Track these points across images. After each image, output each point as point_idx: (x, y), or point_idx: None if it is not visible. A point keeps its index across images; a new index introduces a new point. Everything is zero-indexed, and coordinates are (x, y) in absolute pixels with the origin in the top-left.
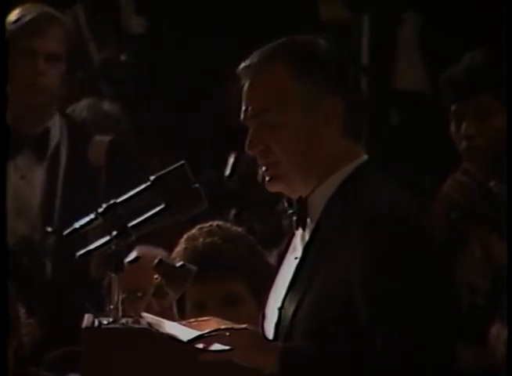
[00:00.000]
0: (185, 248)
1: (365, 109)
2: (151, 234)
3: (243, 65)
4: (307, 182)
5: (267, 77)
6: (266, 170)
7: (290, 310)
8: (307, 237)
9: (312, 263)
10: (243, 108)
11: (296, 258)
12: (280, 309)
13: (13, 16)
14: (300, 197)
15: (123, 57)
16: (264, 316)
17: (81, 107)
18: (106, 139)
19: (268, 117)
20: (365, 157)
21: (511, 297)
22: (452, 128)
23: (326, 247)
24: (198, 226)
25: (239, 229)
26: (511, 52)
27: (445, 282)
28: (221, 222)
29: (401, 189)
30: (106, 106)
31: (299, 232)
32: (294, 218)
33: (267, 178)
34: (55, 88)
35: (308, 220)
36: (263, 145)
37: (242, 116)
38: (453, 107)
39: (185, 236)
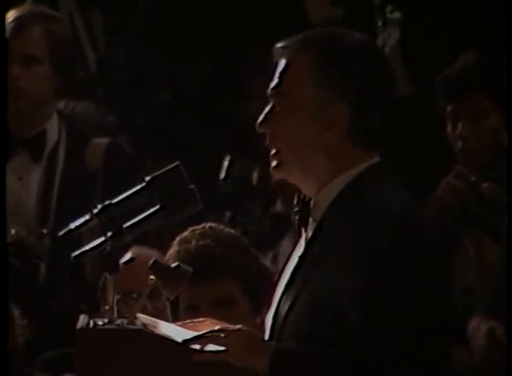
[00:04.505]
0: (178, 251)
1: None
2: (144, 237)
3: (281, 44)
4: (309, 181)
5: (299, 63)
6: (274, 154)
7: (283, 309)
8: (309, 236)
9: (310, 262)
10: (273, 84)
11: (299, 256)
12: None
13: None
14: (304, 198)
15: (117, 57)
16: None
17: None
18: (104, 141)
19: (287, 102)
20: (374, 160)
21: (511, 297)
22: (449, 129)
23: (326, 247)
24: (191, 228)
25: (232, 231)
26: (510, 53)
27: (444, 285)
28: (213, 224)
29: (408, 192)
30: (92, 108)
31: (303, 231)
32: (297, 217)
33: (273, 164)
34: (39, 90)
35: (311, 220)
36: (271, 128)
37: (269, 90)
38: (449, 108)
39: (177, 239)
